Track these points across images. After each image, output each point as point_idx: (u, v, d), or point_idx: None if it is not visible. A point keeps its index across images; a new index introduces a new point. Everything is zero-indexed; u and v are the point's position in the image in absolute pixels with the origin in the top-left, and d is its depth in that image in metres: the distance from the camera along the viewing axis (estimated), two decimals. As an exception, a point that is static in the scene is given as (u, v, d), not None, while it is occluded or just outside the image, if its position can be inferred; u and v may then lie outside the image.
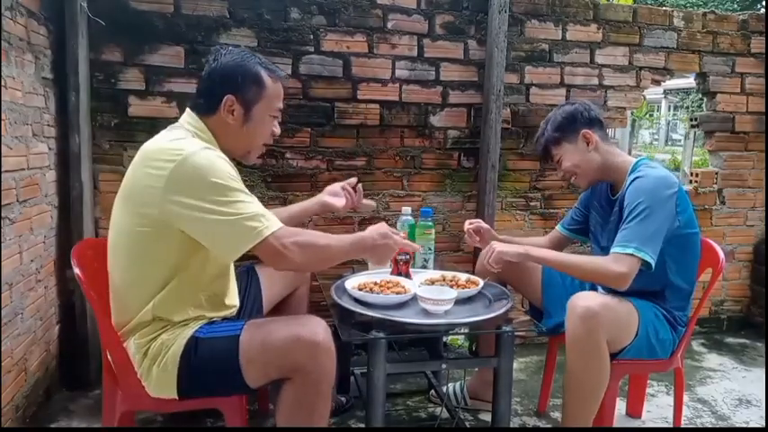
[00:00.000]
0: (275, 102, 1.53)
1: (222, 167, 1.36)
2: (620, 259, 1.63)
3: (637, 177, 1.72)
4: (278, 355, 1.35)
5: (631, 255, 1.62)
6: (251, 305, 1.76)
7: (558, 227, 2.17)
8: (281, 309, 1.90)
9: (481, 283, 1.82)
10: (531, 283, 2.04)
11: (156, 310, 1.42)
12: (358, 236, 1.51)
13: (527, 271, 2.01)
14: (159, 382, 1.40)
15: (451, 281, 1.86)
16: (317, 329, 1.37)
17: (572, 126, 1.82)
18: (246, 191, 1.38)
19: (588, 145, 1.82)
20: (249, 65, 1.48)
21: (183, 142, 1.39)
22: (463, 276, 1.90)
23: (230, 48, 1.52)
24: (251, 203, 1.36)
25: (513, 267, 1.93)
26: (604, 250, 1.86)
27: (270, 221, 1.35)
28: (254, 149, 1.57)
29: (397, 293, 1.71)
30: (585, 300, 1.65)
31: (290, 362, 1.34)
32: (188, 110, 1.52)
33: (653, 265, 1.63)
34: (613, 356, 1.74)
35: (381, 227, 1.54)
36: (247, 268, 1.83)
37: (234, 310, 1.61)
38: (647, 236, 1.63)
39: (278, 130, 1.59)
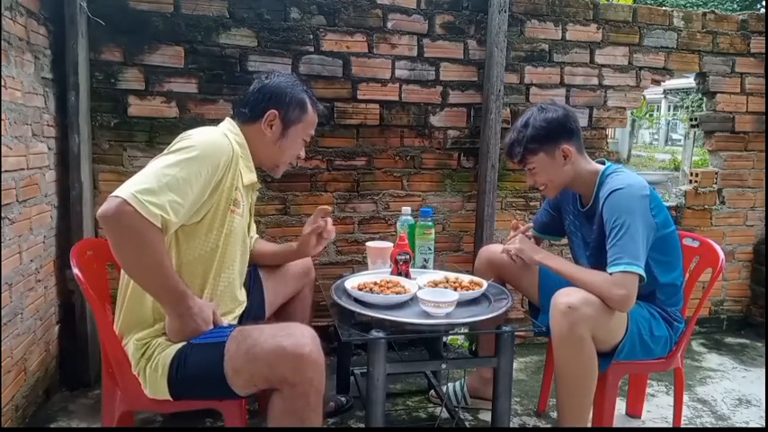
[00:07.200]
0: (310, 129, 1.68)
1: (209, 151, 1.39)
2: (618, 281, 1.62)
3: (610, 193, 1.70)
4: (263, 367, 1.31)
5: (624, 272, 1.61)
6: (253, 308, 1.74)
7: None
8: (284, 311, 1.89)
9: (485, 284, 1.82)
10: (528, 279, 2.04)
11: (155, 313, 1.43)
12: (187, 293, 1.37)
13: (525, 269, 2.01)
14: (152, 383, 1.40)
15: (455, 282, 1.85)
16: (304, 341, 1.31)
17: (552, 138, 1.77)
18: (192, 179, 1.33)
19: (565, 159, 1.79)
20: (298, 89, 1.63)
21: (205, 128, 1.49)
22: (466, 278, 1.90)
23: (284, 72, 1.77)
24: (175, 185, 1.30)
25: (512, 265, 1.97)
26: (589, 262, 1.87)
27: (150, 203, 1.25)
28: (282, 165, 1.69)
29: (397, 293, 1.71)
30: (567, 296, 1.66)
31: (275, 374, 1.30)
32: (227, 119, 1.63)
33: (644, 277, 1.64)
34: (610, 357, 1.74)
35: (209, 309, 1.43)
36: (250, 271, 1.79)
37: (232, 315, 1.60)
38: (634, 249, 1.62)
39: (303, 155, 1.72)
